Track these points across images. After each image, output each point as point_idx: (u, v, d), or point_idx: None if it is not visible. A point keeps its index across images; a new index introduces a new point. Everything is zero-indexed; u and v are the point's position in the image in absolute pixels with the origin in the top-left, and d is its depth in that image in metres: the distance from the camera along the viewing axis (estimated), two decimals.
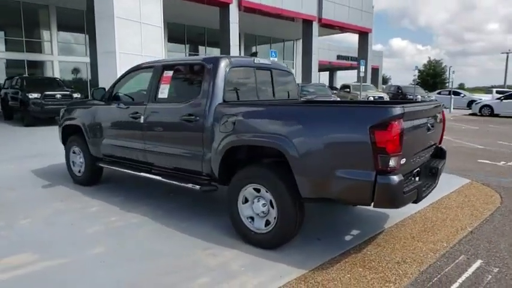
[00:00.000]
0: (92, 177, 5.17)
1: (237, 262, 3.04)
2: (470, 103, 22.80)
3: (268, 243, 3.22)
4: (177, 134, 3.89)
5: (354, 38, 31.53)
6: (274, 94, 4.33)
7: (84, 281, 2.76)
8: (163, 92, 4.07)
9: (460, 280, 2.79)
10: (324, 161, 2.81)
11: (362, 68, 21.79)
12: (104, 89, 4.84)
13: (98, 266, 2.98)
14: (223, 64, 3.67)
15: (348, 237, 3.58)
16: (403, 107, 2.68)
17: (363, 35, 27.17)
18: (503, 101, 18.40)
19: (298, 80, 32.19)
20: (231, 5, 18.02)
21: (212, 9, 18.31)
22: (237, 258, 3.10)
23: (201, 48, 27.35)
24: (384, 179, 2.60)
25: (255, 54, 5.13)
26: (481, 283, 2.75)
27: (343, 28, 25.41)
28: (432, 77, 40.94)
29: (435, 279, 2.81)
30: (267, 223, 3.24)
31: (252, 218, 3.34)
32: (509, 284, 2.75)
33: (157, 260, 3.08)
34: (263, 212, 3.24)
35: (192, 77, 4.03)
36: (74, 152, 5.33)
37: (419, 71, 44.42)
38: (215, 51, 28.17)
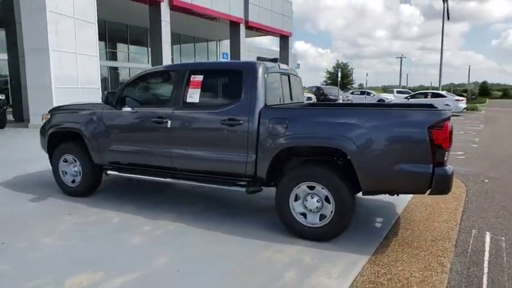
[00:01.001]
0: (90, 187, 4.82)
1: (306, 256, 3.28)
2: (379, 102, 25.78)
3: (325, 235, 3.51)
4: (215, 138, 3.93)
5: (267, 40, 32.90)
6: (291, 97, 4.61)
7: None
8: (193, 96, 4.05)
9: (487, 249, 3.45)
10: (386, 158, 3.21)
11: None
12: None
13: (179, 276, 2.93)
14: (261, 69, 3.84)
15: (377, 225, 4.06)
16: (447, 111, 3.23)
17: (284, 39, 28.60)
18: (410, 100, 21.25)
19: None
20: (162, 4, 17.52)
21: (138, 7, 17.58)
22: (302, 253, 3.33)
23: (120, 46, 25.89)
24: (441, 171, 3.10)
25: (275, 60, 5.21)
26: (502, 250, 3.44)
27: (267, 31, 26.44)
28: (341, 78, 45.04)
29: (469, 250, 3.42)
30: (322, 217, 3.52)
31: (304, 214, 3.59)
32: None
33: (231, 262, 3.15)
34: (317, 207, 3.52)
35: (227, 81, 4.09)
36: (65, 161, 4.89)
37: (329, 72, 48.45)
38: (139, 50, 27.05)
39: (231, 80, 4.03)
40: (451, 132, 3.16)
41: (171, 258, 3.22)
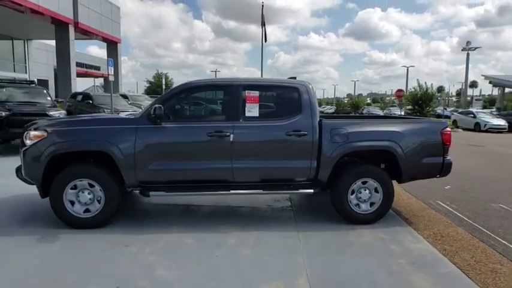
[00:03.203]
0: (112, 215, 4.17)
1: (378, 235, 4.20)
2: None
3: (375, 219, 4.51)
4: (280, 148, 4.30)
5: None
6: None
7: None
8: (252, 110, 4.29)
9: (451, 209, 5.26)
10: (420, 154, 4.51)
11: (111, 70, 15.92)
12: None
13: None
14: (311, 88, 4.52)
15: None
16: (446, 121, 4.82)
17: (112, 45, 26.95)
18: None
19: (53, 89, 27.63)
20: None
21: None
22: (372, 234, 4.23)
23: None
24: (447, 160, 4.63)
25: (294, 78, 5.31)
26: (453, 209, 5.32)
27: (97, 35, 24.32)
28: (161, 88, 45.30)
29: (445, 212, 5.13)
30: (371, 205, 4.52)
31: (358, 205, 4.50)
32: None
33: (359, 247, 3.77)
34: (368, 197, 4.50)
35: (284, 97, 4.48)
36: (73, 188, 4.04)
37: (150, 82, 47.78)
38: None
39: (288, 96, 4.48)
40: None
41: (276, 273, 3.54)
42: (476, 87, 78.14)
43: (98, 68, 42.18)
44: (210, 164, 4.21)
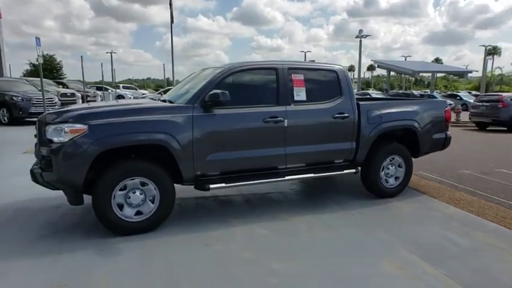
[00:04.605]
0: (166, 215, 3.73)
1: (412, 205, 4.66)
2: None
3: (398, 192, 4.95)
4: (327, 131, 4.38)
5: None
6: None
7: None
8: (300, 94, 4.26)
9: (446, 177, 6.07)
10: (431, 130, 5.07)
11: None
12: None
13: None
14: (347, 71, 4.68)
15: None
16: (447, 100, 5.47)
17: None
18: (163, 94, 22.90)
19: None
20: None
21: None
22: (406, 205, 4.68)
23: None
24: (448, 135, 5.31)
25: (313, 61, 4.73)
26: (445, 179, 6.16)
27: None
28: (49, 71, 39.42)
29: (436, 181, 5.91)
30: (396, 179, 4.95)
31: (386, 180, 4.89)
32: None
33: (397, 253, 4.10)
34: (394, 172, 4.92)
35: (325, 80, 4.49)
36: (122, 189, 3.49)
37: (34, 64, 41.18)
38: None
39: (329, 79, 4.52)
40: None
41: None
42: (353, 71, 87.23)
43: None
44: (265, 151, 4.06)
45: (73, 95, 17.32)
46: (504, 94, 15.40)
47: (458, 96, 25.47)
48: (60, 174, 3.31)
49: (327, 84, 4.53)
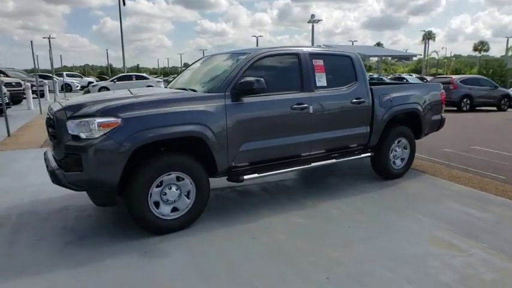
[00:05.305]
0: (201, 211, 3.56)
1: (421, 184, 4.90)
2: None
3: (403, 173, 5.17)
4: (347, 117, 4.43)
5: None
6: None
7: None
8: (321, 80, 4.24)
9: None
10: (431, 112, 5.31)
11: None
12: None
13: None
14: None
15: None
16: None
17: None
18: (116, 82, 21.66)
19: None
20: None
21: None
22: (415, 185, 4.91)
23: None
24: (443, 117, 5.61)
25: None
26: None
27: None
28: None
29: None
30: (402, 160, 5.16)
31: (394, 162, 5.07)
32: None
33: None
34: (401, 154, 5.12)
35: (341, 66, 4.48)
36: (158, 186, 3.26)
37: None
38: None
39: (344, 65, 4.52)
40: None
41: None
42: None
43: None
44: (292, 138, 4.00)
45: (19, 84, 15.72)
46: (454, 76, 16.63)
47: (404, 78, 27.12)
48: (92, 173, 3.00)
49: (343, 69, 4.55)
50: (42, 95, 18.23)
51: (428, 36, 60.51)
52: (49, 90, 20.03)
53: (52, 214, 3.87)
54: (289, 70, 4.12)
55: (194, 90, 3.84)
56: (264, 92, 3.64)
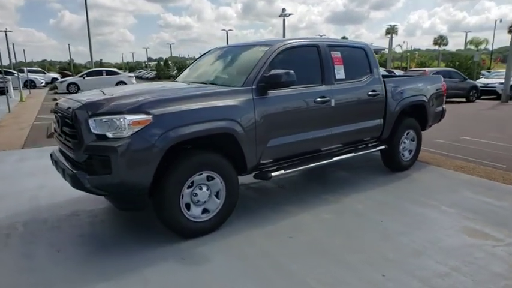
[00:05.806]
0: (231, 211, 3.38)
1: (431, 175, 4.97)
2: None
3: (411, 165, 5.22)
4: (364, 109, 4.38)
5: None
6: None
7: None
8: (340, 72, 4.16)
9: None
10: (435, 103, 5.39)
11: None
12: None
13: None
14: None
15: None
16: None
17: None
18: (86, 78, 20.67)
19: None
20: None
21: None
22: (425, 175, 4.97)
23: None
24: (444, 108, 5.72)
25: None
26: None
27: None
28: None
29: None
30: (410, 152, 5.21)
31: (403, 154, 5.11)
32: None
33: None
34: (409, 146, 5.16)
35: (356, 58, 4.40)
36: (190, 187, 3.05)
37: None
38: None
39: (359, 57, 4.46)
40: None
41: None
42: None
43: None
44: (315, 133, 3.90)
45: None
46: (427, 69, 17.19)
47: (393, 72, 27.75)
48: (123, 175, 2.75)
49: (358, 61, 4.49)
50: (2, 92, 17.05)
51: (392, 31, 62.27)
52: (13, 87, 18.73)
53: (62, 221, 3.55)
54: (311, 62, 4.00)
55: (214, 84, 3.65)
56: (292, 85, 3.49)
